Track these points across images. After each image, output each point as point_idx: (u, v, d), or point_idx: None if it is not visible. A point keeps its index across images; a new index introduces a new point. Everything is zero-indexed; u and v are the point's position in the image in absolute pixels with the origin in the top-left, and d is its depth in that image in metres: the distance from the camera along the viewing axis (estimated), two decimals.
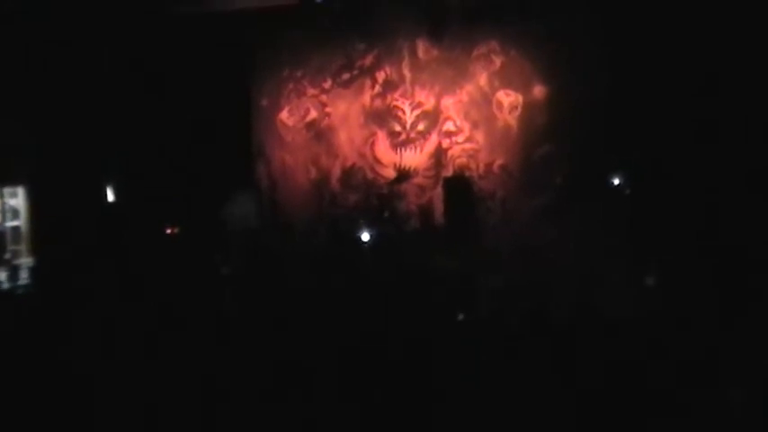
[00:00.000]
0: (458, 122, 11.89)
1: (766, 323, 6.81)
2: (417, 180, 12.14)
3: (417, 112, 12.20)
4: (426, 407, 5.85)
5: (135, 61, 11.95)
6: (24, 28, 11.17)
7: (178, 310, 8.97)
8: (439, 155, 12.04)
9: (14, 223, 11.69)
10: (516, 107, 11.46)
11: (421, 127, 12.17)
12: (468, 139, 11.81)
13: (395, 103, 12.35)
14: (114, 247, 10.94)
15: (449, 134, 11.97)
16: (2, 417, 6.02)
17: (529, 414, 5.66)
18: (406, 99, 12.27)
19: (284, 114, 13.34)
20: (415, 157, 12.21)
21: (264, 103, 13.52)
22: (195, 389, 6.46)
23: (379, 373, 6.46)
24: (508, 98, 11.51)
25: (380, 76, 12.44)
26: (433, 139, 12.08)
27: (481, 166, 11.70)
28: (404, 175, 12.12)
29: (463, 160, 11.84)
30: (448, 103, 11.95)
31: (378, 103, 12.51)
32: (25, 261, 11.44)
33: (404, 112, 12.27)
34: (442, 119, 12.01)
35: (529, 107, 11.36)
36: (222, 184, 12.50)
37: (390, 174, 12.30)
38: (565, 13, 10.82)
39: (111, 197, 12.40)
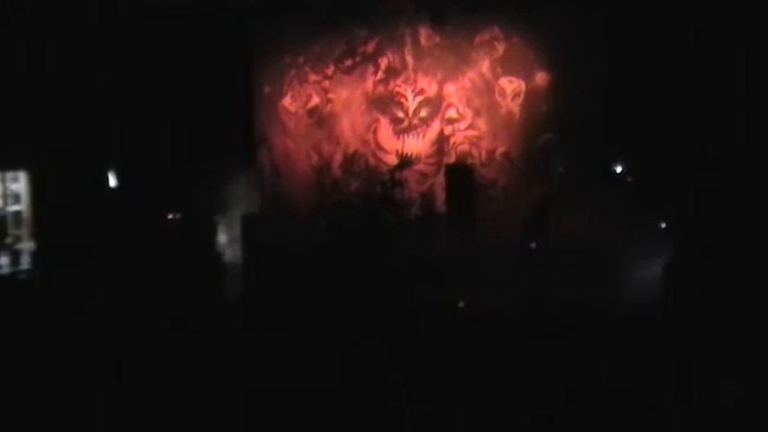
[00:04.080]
0: (460, 109, 11.85)
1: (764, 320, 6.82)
2: (419, 167, 12.10)
3: (420, 98, 12.17)
4: (425, 399, 5.86)
5: (137, 48, 11.91)
6: (26, 13, 11.14)
7: (179, 296, 9.00)
8: (441, 142, 12.01)
9: (16, 208, 11.68)
10: (519, 94, 11.40)
11: (423, 114, 12.13)
12: (471, 126, 11.77)
13: (397, 89, 12.32)
14: (115, 233, 10.95)
15: (451, 121, 11.94)
16: (3, 398, 6.06)
17: (526, 405, 5.67)
18: (409, 86, 12.23)
19: (287, 101, 13.33)
20: (417, 144, 12.18)
21: (267, 89, 13.50)
22: (195, 376, 6.48)
23: (377, 364, 6.47)
24: (511, 85, 11.45)
25: (383, 62, 12.41)
26: (436, 126, 12.05)
27: (483, 153, 11.66)
28: (406, 161, 12.07)
29: (465, 147, 11.80)
30: (450, 89, 11.90)
31: (380, 89, 12.48)
32: (26, 246, 11.44)
33: (406, 99, 12.24)
34: (444, 106, 11.97)
35: (531, 94, 11.30)
36: (224, 170, 12.50)
37: (392, 160, 12.27)
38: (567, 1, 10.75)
39: (112, 183, 12.38)
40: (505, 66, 11.50)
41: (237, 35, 12.64)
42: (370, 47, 12.50)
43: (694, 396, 5.51)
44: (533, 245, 10.12)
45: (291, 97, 13.28)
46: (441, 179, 11.77)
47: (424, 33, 12.04)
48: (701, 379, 5.75)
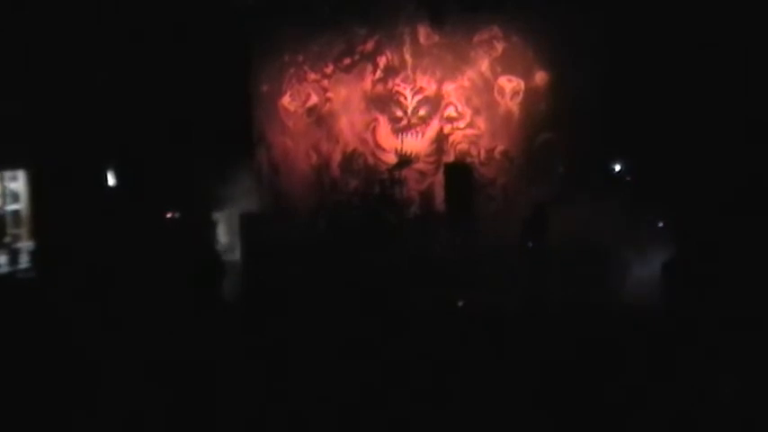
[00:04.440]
0: (459, 108, 11.84)
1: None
2: (418, 166, 12.10)
3: (419, 97, 12.16)
4: (423, 399, 5.84)
5: (136, 48, 11.91)
6: (26, 13, 11.14)
7: (178, 295, 8.98)
8: (440, 140, 12.00)
9: (15, 207, 11.69)
10: (518, 93, 11.39)
11: (422, 112, 12.13)
12: (470, 125, 11.76)
13: (396, 88, 12.31)
14: (114, 232, 10.94)
15: (450, 120, 11.93)
16: (3, 398, 6.04)
17: (521, 405, 5.66)
18: (408, 84, 12.22)
19: (285, 99, 13.32)
20: (416, 143, 12.17)
21: (265, 88, 13.49)
22: (193, 371, 6.47)
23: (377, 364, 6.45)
24: (510, 84, 11.45)
25: (382, 61, 12.40)
26: (435, 125, 12.04)
27: (482, 152, 11.66)
28: (405, 160, 12.07)
29: (464, 146, 11.79)
30: (449, 88, 11.90)
31: (379, 88, 12.47)
32: (25, 245, 11.44)
33: (405, 98, 12.24)
34: (443, 104, 11.96)
35: (531, 93, 11.29)
36: (223, 169, 12.49)
37: (391, 159, 12.26)
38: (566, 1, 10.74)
39: (111, 182, 12.39)
40: (505, 65, 11.50)
41: (237, 34, 12.62)
42: (370, 46, 12.48)
43: (693, 395, 5.51)
44: (531, 244, 10.12)
45: (290, 96, 13.27)
46: (440, 178, 11.77)
47: (423, 32, 12.02)
48: (699, 378, 5.74)
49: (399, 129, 12.31)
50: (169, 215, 12.16)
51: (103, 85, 11.74)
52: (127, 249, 10.64)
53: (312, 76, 13.02)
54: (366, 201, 12.08)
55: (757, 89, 9.22)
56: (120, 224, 11.22)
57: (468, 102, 11.78)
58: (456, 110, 11.87)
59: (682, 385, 5.68)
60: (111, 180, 12.41)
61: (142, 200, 11.92)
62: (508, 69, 11.47)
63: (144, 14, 11.72)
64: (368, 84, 12.54)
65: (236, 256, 12.08)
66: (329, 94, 12.89)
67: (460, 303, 9.15)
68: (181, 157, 12.09)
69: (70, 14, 11.34)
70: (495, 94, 11.56)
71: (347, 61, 12.68)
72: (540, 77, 11.19)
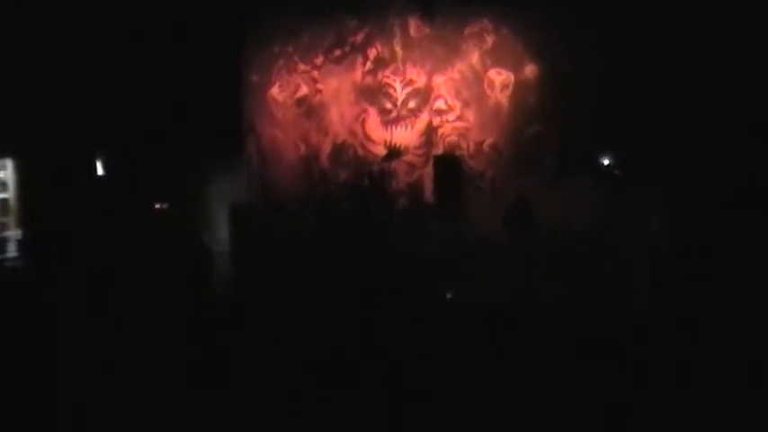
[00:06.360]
0: (449, 101, 11.85)
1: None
2: (407, 158, 12.11)
3: (408, 89, 12.15)
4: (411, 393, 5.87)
5: (126, 36, 11.86)
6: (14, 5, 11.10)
7: (166, 285, 8.98)
8: (429, 133, 12.00)
9: (2, 196, 11.64)
10: (507, 86, 11.42)
11: (412, 105, 12.13)
12: (459, 118, 11.78)
13: (386, 80, 12.30)
14: (102, 222, 10.92)
15: (440, 112, 11.93)
16: None
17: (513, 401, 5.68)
18: (398, 76, 12.22)
19: (275, 90, 13.28)
20: (405, 135, 12.17)
21: (255, 78, 13.45)
22: (184, 364, 6.49)
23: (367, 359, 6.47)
24: (500, 77, 11.47)
25: (372, 53, 12.39)
26: (424, 117, 12.04)
27: (471, 144, 11.68)
28: (394, 152, 12.08)
29: (453, 138, 11.81)
30: (439, 81, 11.90)
31: (369, 80, 12.45)
32: (13, 233, 11.41)
33: (395, 90, 12.23)
34: (433, 97, 11.97)
35: (520, 86, 11.32)
36: (212, 160, 12.47)
37: (380, 151, 12.26)
38: None
39: (99, 172, 12.35)
40: (494, 57, 11.52)
41: (228, 24, 12.58)
42: (360, 37, 12.47)
43: (691, 393, 5.53)
44: (512, 234, 10.18)
45: (280, 87, 13.24)
46: (429, 170, 11.79)
47: (413, 24, 12.02)
48: (696, 375, 5.77)
49: (389, 121, 12.30)
50: (158, 206, 12.14)
51: (92, 75, 11.69)
52: (115, 240, 10.62)
53: (302, 66, 13.00)
54: (355, 192, 12.09)
55: (754, 88, 9.25)
56: (108, 214, 11.19)
57: (457, 94, 11.79)
58: (445, 102, 11.88)
59: (677, 383, 5.70)
60: (99, 170, 12.37)
61: (131, 190, 11.89)
62: (498, 62, 11.50)
63: (135, 8, 11.67)
64: (358, 75, 12.52)
65: (225, 246, 12.07)
66: (319, 86, 12.87)
67: (449, 295, 9.18)
68: (170, 147, 12.06)
69: (59, 5, 11.28)
70: (485, 86, 11.58)
71: (337, 52, 12.65)
72: (530, 70, 11.23)
